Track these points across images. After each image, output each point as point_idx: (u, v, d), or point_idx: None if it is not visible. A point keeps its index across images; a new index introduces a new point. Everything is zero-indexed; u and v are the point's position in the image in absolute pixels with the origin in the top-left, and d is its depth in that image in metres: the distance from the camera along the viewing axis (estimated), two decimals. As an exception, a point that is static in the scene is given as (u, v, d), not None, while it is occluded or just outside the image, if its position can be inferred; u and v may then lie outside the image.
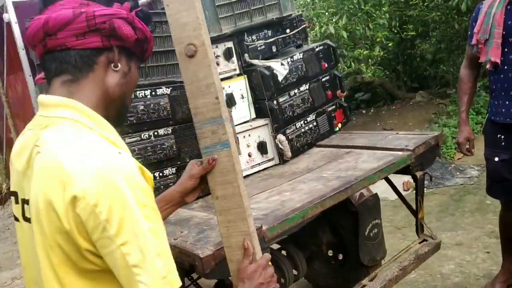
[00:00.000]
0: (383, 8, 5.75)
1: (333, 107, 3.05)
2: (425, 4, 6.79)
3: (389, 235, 3.89)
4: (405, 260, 2.44)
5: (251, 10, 2.71)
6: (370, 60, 5.85)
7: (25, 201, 1.01)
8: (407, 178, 4.89)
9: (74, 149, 0.92)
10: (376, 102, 8.78)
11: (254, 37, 2.78)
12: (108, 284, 0.94)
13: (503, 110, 2.48)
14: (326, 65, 2.99)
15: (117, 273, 0.91)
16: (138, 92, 2.17)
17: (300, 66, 2.84)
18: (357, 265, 2.85)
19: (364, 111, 8.40)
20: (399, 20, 6.74)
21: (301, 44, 3.05)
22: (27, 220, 1.00)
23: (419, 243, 2.60)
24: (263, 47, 2.81)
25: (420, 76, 8.77)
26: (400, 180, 4.48)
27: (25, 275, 1.09)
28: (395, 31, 6.84)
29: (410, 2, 6.65)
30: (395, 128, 6.88)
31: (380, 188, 2.92)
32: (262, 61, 2.75)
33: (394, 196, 4.64)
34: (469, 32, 2.62)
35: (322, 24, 5.15)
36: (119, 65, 1.03)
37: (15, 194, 1.06)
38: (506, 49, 2.38)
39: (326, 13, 5.36)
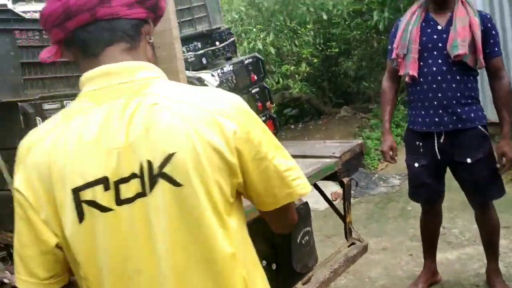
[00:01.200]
0: (308, 26, 6.00)
1: (264, 118, 3.11)
2: (347, 23, 7.16)
3: (320, 244, 3.99)
4: (335, 263, 2.53)
5: (180, 21, 2.72)
6: (297, 76, 6.05)
7: (125, 179, 0.92)
8: (335, 189, 5.08)
9: (198, 94, 0.99)
10: (304, 117, 9.06)
11: (184, 48, 2.78)
12: (240, 212, 1.05)
13: (420, 119, 2.67)
14: (256, 78, 3.06)
15: (267, 184, 1.02)
16: (65, 102, 2.09)
17: (230, 77, 2.88)
18: (291, 273, 2.89)
19: (292, 126, 8.63)
20: (323, 37, 7.06)
21: (231, 57, 3.11)
22: (129, 200, 0.93)
23: (348, 246, 2.70)
24: (193, 58, 2.83)
25: (344, 92, 9.18)
26: (328, 191, 4.64)
27: (121, 268, 0.95)
28: (320, 48, 7.14)
29: (333, 21, 6.99)
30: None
31: (311, 200, 3.01)
32: (193, 72, 2.76)
33: (323, 207, 4.80)
34: (389, 47, 2.80)
35: (250, 40, 5.27)
36: (152, 38, 1.05)
37: (101, 181, 0.92)
38: (421, 63, 2.57)
39: (254, 29, 5.49)
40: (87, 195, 0.92)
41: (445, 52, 2.51)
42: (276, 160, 1.03)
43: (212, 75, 2.77)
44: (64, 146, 0.92)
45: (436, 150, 2.63)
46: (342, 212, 2.81)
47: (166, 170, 0.92)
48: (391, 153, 2.81)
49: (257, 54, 3.15)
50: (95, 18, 0.95)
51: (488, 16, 2.61)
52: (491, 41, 2.55)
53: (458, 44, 2.45)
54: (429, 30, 2.55)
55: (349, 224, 2.74)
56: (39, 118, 2.00)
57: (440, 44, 2.52)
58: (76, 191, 0.91)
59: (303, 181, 1.08)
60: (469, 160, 2.61)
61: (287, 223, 1.18)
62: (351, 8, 6.68)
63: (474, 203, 2.82)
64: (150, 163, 0.92)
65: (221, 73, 2.84)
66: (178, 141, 0.92)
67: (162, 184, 0.93)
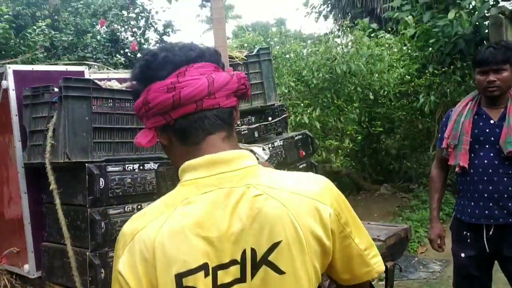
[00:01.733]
0: (354, 104, 6.14)
1: (309, 193, 3.16)
2: (392, 103, 7.28)
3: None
4: None
5: (238, 97, 2.89)
6: (339, 151, 6.12)
7: (224, 266, 0.95)
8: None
9: (295, 181, 1.04)
10: (342, 191, 8.93)
11: (238, 122, 2.93)
12: None
13: (469, 210, 2.64)
14: (304, 153, 3.15)
15: (348, 261, 1.07)
16: (126, 166, 2.23)
17: (280, 152, 2.99)
18: None
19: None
20: (368, 116, 7.17)
21: (281, 132, 3.23)
22: (226, 285, 0.95)
23: (388, 333, 2.63)
24: (246, 131, 2.96)
25: (385, 169, 9.13)
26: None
27: None
28: (364, 126, 7.24)
29: (379, 101, 7.12)
30: (361, 218, 6.99)
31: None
32: (245, 144, 2.88)
33: None
34: (439, 135, 2.84)
35: (297, 114, 5.44)
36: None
37: (202, 267, 0.94)
38: (472, 155, 2.60)
39: (302, 104, 5.67)
40: (189, 281, 0.93)
41: (497, 147, 2.53)
42: (357, 239, 1.07)
43: (263, 149, 2.88)
44: (168, 233, 0.94)
45: (485, 242, 2.59)
46: (382, 296, 2.76)
47: (271, 258, 0.95)
48: (439, 241, 2.77)
49: (307, 132, 3.26)
50: (201, 109, 1.01)
51: None
52: None
53: None
54: (481, 123, 2.60)
55: (391, 311, 2.68)
56: (102, 179, 2.13)
57: (492, 138, 2.55)
58: (180, 277, 0.93)
59: (380, 259, 1.13)
60: (519, 256, 2.55)
61: None
62: (398, 89, 6.81)
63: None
64: (254, 251, 0.95)
65: (272, 147, 2.95)
66: (283, 230, 0.96)
67: (264, 271, 0.96)
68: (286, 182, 1.03)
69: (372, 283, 3.88)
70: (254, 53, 3.02)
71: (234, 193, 0.98)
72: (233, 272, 0.95)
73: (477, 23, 6.25)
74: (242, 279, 0.96)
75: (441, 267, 5.33)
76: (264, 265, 0.96)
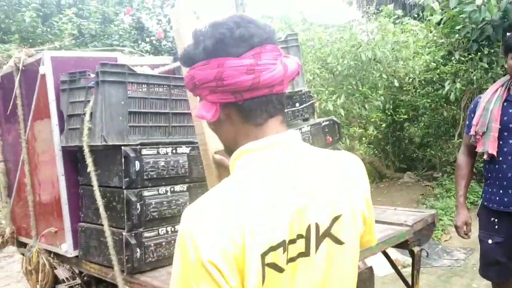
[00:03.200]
0: (379, 91, 6.11)
1: (335, 179, 3.19)
2: (417, 91, 7.21)
3: (379, 311, 3.91)
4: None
5: (266, 83, 2.92)
6: (363, 138, 6.12)
7: (293, 241, 0.99)
8: (395, 256, 4.98)
9: (340, 157, 1.15)
10: (365, 179, 9.00)
11: (267, 107, 2.97)
12: None
13: (497, 198, 2.64)
14: (331, 139, 3.18)
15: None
16: (160, 149, 2.30)
17: (307, 138, 3.02)
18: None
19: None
20: (393, 103, 7.13)
21: (308, 118, 3.25)
22: (292, 259, 1.00)
23: (414, 317, 2.66)
24: (274, 117, 2.99)
25: (408, 157, 9.08)
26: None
27: None
28: (388, 113, 7.20)
29: (404, 88, 7.06)
30: (384, 206, 7.04)
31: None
32: (273, 130, 2.92)
33: (382, 273, 4.71)
34: (467, 122, 2.83)
35: (321, 101, 5.44)
36: None
37: (281, 244, 0.98)
38: (501, 142, 2.59)
39: (326, 91, 5.67)
40: (269, 258, 0.96)
41: None
42: (371, 210, 1.18)
43: (291, 134, 2.92)
44: (251, 213, 0.96)
45: (513, 229, 2.59)
46: (407, 281, 2.79)
47: (332, 230, 1.05)
48: (465, 228, 2.78)
49: (334, 118, 3.28)
50: (270, 93, 1.04)
51: None
52: None
53: None
54: (511, 110, 2.58)
55: (417, 295, 2.71)
56: (138, 162, 2.21)
57: None
58: (263, 256, 0.95)
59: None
60: (546, 242, 2.54)
61: None
62: (423, 76, 6.74)
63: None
64: (317, 225, 1.03)
65: (300, 132, 2.98)
66: (341, 205, 1.06)
67: (327, 242, 1.04)
68: (332, 158, 1.12)
69: (403, 269, 3.88)
70: (282, 39, 3.04)
71: (298, 170, 1.04)
72: (299, 246, 1.01)
73: (505, 8, 6.13)
74: (306, 253, 1.01)
75: (465, 255, 5.32)
76: (327, 237, 1.04)
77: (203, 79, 1.03)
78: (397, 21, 7.40)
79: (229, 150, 1.13)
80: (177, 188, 2.35)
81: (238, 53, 1.01)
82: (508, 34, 3.95)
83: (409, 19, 7.66)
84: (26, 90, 2.76)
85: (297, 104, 3.15)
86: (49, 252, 2.78)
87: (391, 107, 7.01)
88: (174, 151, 2.36)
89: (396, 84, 6.41)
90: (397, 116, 7.36)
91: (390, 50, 5.99)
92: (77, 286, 2.96)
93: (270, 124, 1.06)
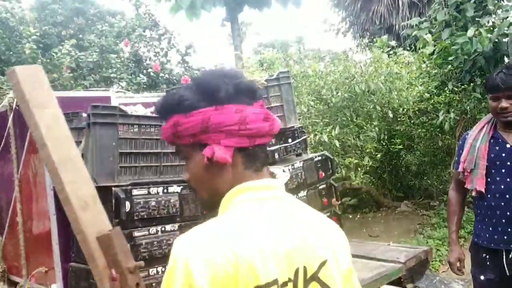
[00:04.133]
0: (373, 122, 6.16)
1: (328, 214, 3.19)
2: (411, 121, 7.27)
3: None
4: None
5: (258, 120, 2.95)
6: (359, 169, 6.13)
7: (284, 284, 1.02)
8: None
9: (321, 217, 1.22)
10: (362, 208, 8.97)
11: (259, 144, 3.00)
12: None
13: (487, 235, 2.63)
14: (323, 174, 3.20)
15: None
16: (151, 189, 2.31)
17: (300, 173, 3.04)
18: None
19: (350, 216, 8.54)
20: (388, 133, 7.17)
21: (301, 153, 3.28)
22: None
23: None
24: (266, 153, 3.02)
25: (405, 186, 9.07)
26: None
27: None
28: (383, 143, 7.23)
29: (398, 118, 7.12)
30: (381, 236, 7.00)
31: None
32: (265, 166, 2.94)
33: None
34: (455, 158, 2.85)
35: (316, 132, 5.47)
36: None
37: (274, 282, 1.01)
38: (489, 179, 2.59)
39: (321, 123, 5.71)
40: None
41: None
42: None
43: (284, 171, 2.92)
44: (247, 246, 0.99)
45: (505, 266, 2.58)
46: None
47: (320, 275, 1.08)
48: (458, 264, 2.76)
49: (326, 153, 3.31)
50: (264, 144, 1.15)
51: None
52: None
53: None
54: (497, 148, 2.59)
55: (411, 334, 2.68)
56: (128, 202, 2.21)
57: (508, 163, 2.54)
58: None
59: None
60: (540, 279, 2.53)
61: None
62: (417, 107, 6.80)
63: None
64: (305, 269, 1.06)
65: (292, 168, 3.00)
66: (326, 250, 1.11)
67: (313, 286, 1.07)
68: (316, 213, 1.19)
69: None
70: (274, 77, 3.09)
71: (288, 214, 1.10)
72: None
73: (496, 40, 6.23)
74: None
75: (463, 287, 5.26)
76: (314, 281, 1.07)
77: (222, 122, 1.06)
78: (391, 52, 7.51)
79: (211, 200, 1.13)
80: (168, 227, 2.36)
81: (249, 102, 1.09)
82: (499, 66, 4.01)
83: (402, 50, 7.78)
84: (20, 129, 2.79)
85: (290, 140, 3.18)
86: (40, 292, 2.75)
87: (386, 137, 7.05)
88: (165, 190, 2.37)
89: (390, 114, 6.46)
90: (393, 146, 7.40)
91: (384, 81, 6.07)
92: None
93: (265, 171, 1.14)
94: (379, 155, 6.59)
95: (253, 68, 7.91)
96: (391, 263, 2.59)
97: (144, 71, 8.16)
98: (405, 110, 6.69)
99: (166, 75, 8.22)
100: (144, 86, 7.54)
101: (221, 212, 1.10)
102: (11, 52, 8.59)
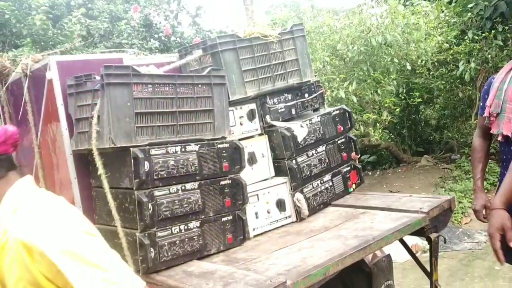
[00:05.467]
0: (391, 76, 6.03)
1: (348, 168, 3.17)
2: (430, 73, 7.10)
3: (400, 298, 3.89)
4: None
5: (273, 75, 2.90)
6: (377, 124, 6.05)
7: None
8: (415, 241, 4.93)
9: None
10: (381, 164, 8.92)
11: (275, 100, 2.95)
12: None
13: None
14: (342, 128, 3.14)
15: None
16: (169, 149, 2.29)
17: (318, 128, 2.99)
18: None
19: (370, 173, 8.52)
20: (406, 87, 7.03)
21: (318, 108, 3.22)
22: None
23: (434, 305, 2.63)
24: (283, 109, 2.97)
25: (425, 140, 8.97)
26: (408, 243, 4.53)
27: None
28: (402, 97, 7.11)
29: (416, 71, 6.95)
30: (402, 191, 6.98)
31: (390, 252, 2.98)
32: (283, 122, 2.90)
33: (402, 259, 4.68)
34: (480, 104, 2.76)
35: (333, 88, 5.38)
36: None
37: None
38: None
39: (337, 79, 5.61)
40: None
41: None
42: None
43: (301, 126, 2.89)
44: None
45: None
46: (426, 267, 2.76)
47: None
48: (484, 212, 2.73)
49: (344, 106, 3.24)
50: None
51: None
52: None
53: None
54: (525, 90, 2.51)
55: (436, 282, 2.68)
56: (147, 162, 2.21)
57: None
58: None
59: None
60: None
61: None
62: (436, 58, 6.63)
63: None
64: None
65: (310, 123, 2.96)
66: None
67: None
68: None
69: (417, 254, 3.85)
70: (287, 30, 3.00)
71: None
72: None
73: (519, -17, 5.98)
74: None
75: (486, 237, 5.23)
76: None
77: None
78: (407, 3, 7.27)
79: None
80: (188, 186, 2.35)
81: None
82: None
83: (419, 0, 7.52)
84: (35, 96, 2.78)
85: (306, 95, 3.12)
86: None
87: (405, 91, 6.92)
88: (183, 149, 2.36)
89: (409, 67, 6.31)
90: (411, 100, 7.27)
91: (401, 33, 5.89)
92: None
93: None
94: (398, 110, 6.49)
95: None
96: (414, 213, 2.56)
97: (155, 35, 8.06)
98: (423, 62, 6.53)
99: (178, 39, 8.11)
100: (156, 51, 7.46)
101: None
102: (22, 25, 8.54)
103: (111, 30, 7.72)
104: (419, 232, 2.59)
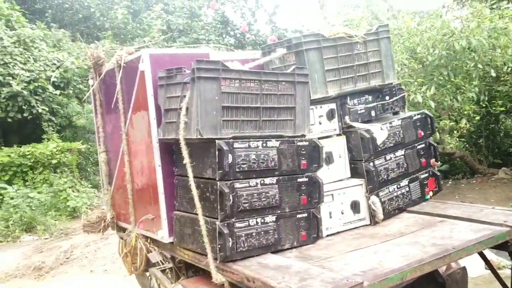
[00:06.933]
0: (473, 82, 5.77)
1: (426, 175, 3.09)
2: (516, 81, 6.73)
3: (471, 314, 3.73)
4: None
5: (356, 76, 2.88)
6: (455, 132, 5.82)
7: None
8: (489, 256, 4.70)
9: None
10: (454, 174, 8.57)
11: (355, 101, 2.94)
12: None
13: None
14: (422, 134, 3.07)
15: None
16: (251, 143, 2.35)
17: (398, 132, 2.94)
18: None
19: (441, 182, 8.21)
20: (488, 94, 6.70)
21: (398, 111, 3.16)
22: None
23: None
24: (363, 111, 2.95)
25: (503, 152, 8.51)
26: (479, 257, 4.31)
27: None
28: (483, 105, 6.78)
29: (501, 78, 6.61)
30: (476, 203, 6.66)
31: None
32: (362, 124, 2.88)
33: (475, 274, 4.48)
34: None
35: (410, 92, 5.24)
36: None
37: None
38: None
39: (415, 82, 5.46)
40: None
41: None
42: None
43: (381, 128, 2.86)
44: None
45: None
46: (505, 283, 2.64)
47: None
48: None
49: (426, 111, 3.16)
50: None
51: None
52: None
53: None
54: None
55: (517, 300, 2.56)
56: (231, 155, 2.28)
57: None
58: None
59: None
60: None
61: None
62: (523, 65, 6.26)
63: None
64: None
65: (390, 126, 2.91)
66: None
67: None
68: None
69: (498, 271, 3.69)
70: (373, 31, 2.97)
71: None
72: None
73: None
74: None
75: None
76: None
77: None
78: (494, 6, 6.92)
79: None
80: (267, 181, 2.40)
81: None
82: None
83: (508, 3, 7.13)
84: (126, 86, 2.95)
85: (387, 97, 3.09)
86: (146, 237, 2.96)
87: (486, 98, 6.59)
88: (264, 144, 2.41)
89: (493, 74, 6.00)
90: (493, 108, 6.91)
91: (487, 37, 5.62)
92: (168, 269, 3.13)
93: None
94: (477, 118, 6.20)
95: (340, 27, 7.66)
96: (498, 226, 2.46)
97: (231, 32, 8.23)
98: (509, 69, 6.18)
99: (253, 36, 8.23)
100: (231, 47, 7.62)
101: None
102: (105, 18, 9.04)
103: (189, 26, 7.98)
104: (501, 246, 2.48)
